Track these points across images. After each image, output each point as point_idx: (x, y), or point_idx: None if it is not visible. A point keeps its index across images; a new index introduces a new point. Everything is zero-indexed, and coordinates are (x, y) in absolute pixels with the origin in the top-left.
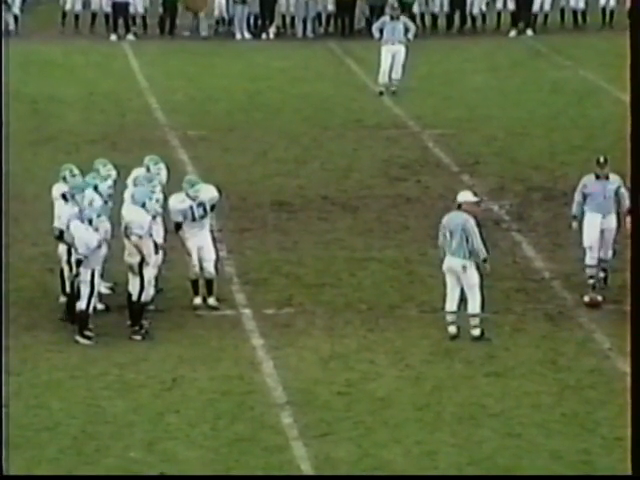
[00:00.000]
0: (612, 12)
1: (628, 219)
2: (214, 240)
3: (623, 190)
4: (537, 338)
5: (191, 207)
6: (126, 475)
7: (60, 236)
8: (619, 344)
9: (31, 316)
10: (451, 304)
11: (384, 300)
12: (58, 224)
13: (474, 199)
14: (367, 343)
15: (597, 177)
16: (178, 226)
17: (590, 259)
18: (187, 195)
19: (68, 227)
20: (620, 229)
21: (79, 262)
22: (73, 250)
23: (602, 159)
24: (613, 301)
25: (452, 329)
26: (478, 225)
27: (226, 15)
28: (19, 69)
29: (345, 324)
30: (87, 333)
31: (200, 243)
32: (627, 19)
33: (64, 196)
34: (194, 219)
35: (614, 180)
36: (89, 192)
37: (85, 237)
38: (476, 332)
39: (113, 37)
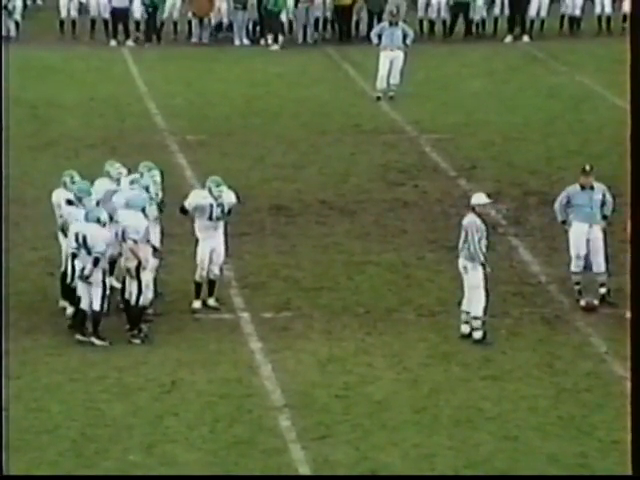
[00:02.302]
0: (608, 18)
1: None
2: (226, 244)
3: (608, 197)
4: (534, 342)
5: (211, 205)
6: (125, 475)
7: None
8: (615, 347)
9: (31, 320)
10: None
11: (382, 303)
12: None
13: (485, 201)
14: (365, 346)
15: (582, 188)
16: (184, 211)
17: (575, 267)
18: (210, 193)
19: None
20: (606, 238)
21: (96, 261)
22: (84, 251)
23: (588, 167)
24: (609, 305)
25: (464, 328)
26: (489, 228)
27: (226, 20)
28: (19, 74)
29: (343, 327)
30: (98, 335)
31: (213, 245)
32: (622, 25)
33: (69, 202)
34: (211, 218)
35: (599, 189)
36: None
37: (101, 235)
38: (477, 335)
39: (113, 43)
